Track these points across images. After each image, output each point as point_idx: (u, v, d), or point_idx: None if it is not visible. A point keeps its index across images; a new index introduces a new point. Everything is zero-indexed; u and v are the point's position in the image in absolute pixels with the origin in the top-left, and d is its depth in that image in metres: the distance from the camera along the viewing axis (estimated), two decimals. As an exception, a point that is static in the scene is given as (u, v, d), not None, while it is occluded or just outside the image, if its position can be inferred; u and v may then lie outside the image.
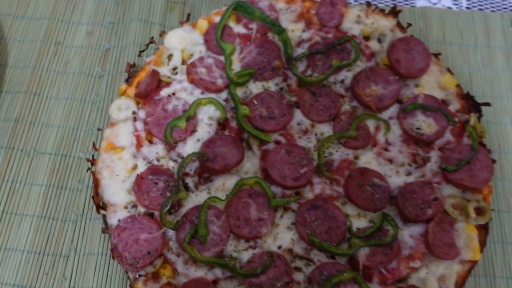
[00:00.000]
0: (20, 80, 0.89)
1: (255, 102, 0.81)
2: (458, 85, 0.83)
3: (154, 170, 0.76)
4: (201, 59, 0.83)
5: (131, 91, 0.81)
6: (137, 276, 0.70)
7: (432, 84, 0.83)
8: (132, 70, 0.84)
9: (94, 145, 0.77)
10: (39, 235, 0.78)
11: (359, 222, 0.74)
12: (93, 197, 0.75)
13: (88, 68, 0.90)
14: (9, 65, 0.90)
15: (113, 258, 0.71)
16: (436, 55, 0.85)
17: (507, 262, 0.78)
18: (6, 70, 0.89)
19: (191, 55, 0.84)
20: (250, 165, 0.78)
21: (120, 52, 0.90)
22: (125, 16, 0.93)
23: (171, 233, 0.73)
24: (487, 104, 0.81)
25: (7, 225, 0.79)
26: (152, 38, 0.86)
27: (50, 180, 0.82)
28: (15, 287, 0.75)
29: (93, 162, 0.77)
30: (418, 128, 0.78)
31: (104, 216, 0.75)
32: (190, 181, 0.76)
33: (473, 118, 0.78)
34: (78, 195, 0.81)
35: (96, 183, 0.75)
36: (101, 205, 0.75)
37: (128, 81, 0.83)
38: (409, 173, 0.78)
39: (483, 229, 0.73)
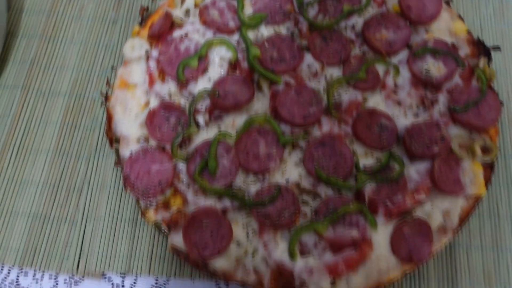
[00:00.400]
0: (35, 24, 0.91)
1: (266, 45, 0.82)
2: (468, 32, 0.83)
3: (166, 106, 0.77)
4: (214, 2, 0.84)
5: (145, 32, 0.83)
6: (148, 204, 0.73)
7: (442, 30, 0.83)
8: (145, 14, 0.85)
9: (108, 81, 0.79)
10: (53, 169, 0.81)
11: (366, 161, 0.75)
12: (106, 131, 0.77)
13: (102, 13, 0.91)
14: (25, 10, 0.92)
15: (125, 188, 0.73)
16: (448, 2, 0.86)
17: (511, 204, 0.80)
18: (22, 15, 0.92)
19: (204, -1, 0.86)
20: (260, 105, 0.79)
21: (134, -2, 0.93)
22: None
23: (181, 166, 0.75)
24: (497, 48, 0.82)
25: (23, 159, 0.82)
26: (166, -18, 0.88)
27: (65, 119, 0.84)
28: (31, 216, 0.78)
29: (107, 98, 0.79)
30: (427, 71, 0.80)
31: (117, 151, 0.77)
32: (201, 118, 0.78)
33: (482, 61, 0.79)
34: (91, 133, 0.83)
35: (110, 118, 0.77)
36: (114, 140, 0.77)
37: (142, 23, 0.84)
38: (417, 115, 0.78)
39: (489, 167, 0.74)
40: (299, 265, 0.68)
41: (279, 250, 0.69)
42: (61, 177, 0.80)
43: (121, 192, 0.78)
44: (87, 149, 0.82)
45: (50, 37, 0.89)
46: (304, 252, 0.70)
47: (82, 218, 0.78)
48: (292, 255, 0.69)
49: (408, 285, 0.75)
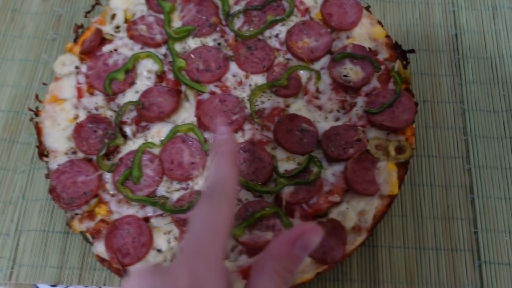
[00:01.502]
0: (-23, 44, 0.95)
1: (193, 56, 0.85)
2: (387, 36, 0.86)
3: (93, 119, 0.80)
4: (142, 17, 0.88)
5: (77, 49, 0.86)
6: (74, 214, 0.75)
7: (363, 35, 0.86)
8: (79, 31, 0.89)
9: (37, 96, 0.82)
10: (-8, 184, 0.84)
11: (287, 165, 0.77)
12: (37, 145, 0.80)
13: (42, 32, 0.95)
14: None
15: (53, 199, 0.76)
16: (367, 8, 0.88)
17: (434, 204, 0.81)
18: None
19: (134, 14, 0.88)
20: (187, 115, 0.82)
21: (72, 16, 0.96)
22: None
23: (107, 176, 0.77)
24: (412, 51, 0.84)
25: (-38, 176, 0.85)
26: (98, 0, 0.91)
27: (3, 135, 0.87)
28: (-34, 230, 0.81)
29: (37, 113, 0.82)
30: (345, 76, 0.82)
31: (47, 163, 0.80)
32: (128, 129, 0.81)
33: (397, 64, 0.81)
34: (28, 147, 0.86)
35: (39, 132, 0.80)
36: (44, 153, 0.80)
37: (76, 40, 0.88)
38: (337, 119, 0.81)
39: (403, 167, 0.76)
40: (214, 268, 0.70)
41: (197, 255, 0.72)
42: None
43: (53, 204, 0.81)
44: (24, 163, 0.85)
45: (-10, 56, 0.94)
46: (220, 256, 0.72)
47: (16, 230, 0.80)
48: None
49: (331, 285, 0.76)
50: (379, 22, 0.87)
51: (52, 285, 0.78)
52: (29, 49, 0.94)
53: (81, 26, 0.89)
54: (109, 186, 0.77)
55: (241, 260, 0.70)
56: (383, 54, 0.84)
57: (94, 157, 0.78)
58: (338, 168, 0.76)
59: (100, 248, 0.73)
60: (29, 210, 0.81)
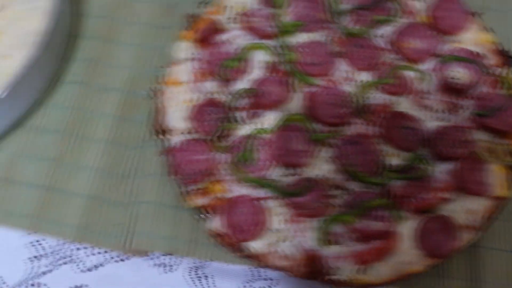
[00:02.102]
0: (94, 27, 1.00)
1: (301, 50, 0.90)
2: (494, 43, 0.87)
3: (210, 102, 0.85)
4: (253, 10, 0.92)
5: (191, 36, 0.92)
6: (190, 190, 0.80)
7: (470, 40, 0.88)
8: (191, 20, 0.94)
9: (157, 79, 0.88)
10: (106, 157, 0.89)
11: (393, 160, 0.80)
12: (154, 124, 0.86)
13: (155, 19, 1.00)
14: (85, 14, 1.02)
15: (169, 175, 0.81)
16: (476, 14, 0.90)
17: (540, 211, 0.82)
18: (82, 19, 1.02)
19: (245, 7, 0.93)
20: (295, 105, 0.86)
21: (182, 6, 0.99)
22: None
23: (221, 157, 0.82)
24: (522, 57, 0.86)
25: (78, 147, 0.91)
26: (212, -9, 0.96)
27: (117, 112, 0.93)
28: (85, 197, 0.86)
29: (156, 94, 0.87)
30: (452, 78, 0.84)
31: (163, 141, 0.85)
32: (240, 115, 0.85)
33: (506, 70, 0.83)
34: (140, 125, 0.91)
35: (158, 112, 0.86)
36: (161, 131, 0.86)
37: (188, 28, 0.93)
38: (443, 119, 0.83)
39: (512, 170, 0.78)
40: (328, 252, 0.74)
41: (310, 238, 0.75)
42: (112, 164, 0.88)
43: (165, 179, 0.86)
44: (136, 139, 0.91)
45: (107, 39, 0.99)
46: (333, 241, 0.75)
47: (130, 201, 0.85)
48: (322, 243, 0.74)
49: (432, 281, 0.78)
50: (486, 29, 0.89)
51: (165, 255, 0.83)
52: (143, 35, 1.00)
53: (194, 16, 0.95)
54: (221, 166, 0.82)
55: (353, 245, 0.74)
56: (490, 60, 0.86)
57: (208, 138, 0.84)
58: (446, 167, 0.78)
59: (215, 223, 0.78)
60: (142, 183, 0.86)
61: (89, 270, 0.83)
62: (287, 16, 0.93)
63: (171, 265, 0.83)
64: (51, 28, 0.90)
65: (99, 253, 0.84)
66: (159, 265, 0.83)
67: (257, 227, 0.76)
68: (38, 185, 0.87)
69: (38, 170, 0.89)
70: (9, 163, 0.89)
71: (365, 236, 0.74)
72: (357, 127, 0.84)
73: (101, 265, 0.84)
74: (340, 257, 0.73)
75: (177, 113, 0.86)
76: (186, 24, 0.96)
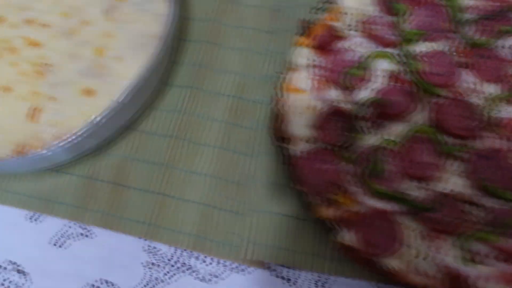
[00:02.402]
0: (201, 31, 1.00)
1: (425, 59, 0.87)
2: None
3: (334, 111, 0.83)
4: (374, 17, 0.90)
5: (308, 42, 0.90)
6: (318, 201, 0.78)
7: None
8: (306, 25, 0.92)
9: (276, 85, 0.86)
10: (219, 163, 0.88)
11: (530, 177, 0.77)
12: (275, 131, 0.84)
13: (261, 24, 0.99)
14: (192, 18, 1.02)
15: (295, 185, 0.79)
16: None
17: None
18: (190, 22, 1.02)
19: (364, 14, 0.91)
20: (420, 116, 0.83)
21: (290, 11, 0.99)
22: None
23: (347, 167, 0.79)
24: None
25: (189, 152, 0.89)
26: (328, -3, 0.95)
27: (228, 118, 0.92)
28: (200, 204, 0.85)
29: (277, 100, 0.85)
30: None
31: (283, 149, 0.83)
32: (364, 124, 0.83)
33: None
34: (252, 132, 0.90)
35: (279, 119, 0.84)
36: (281, 139, 0.83)
37: (303, 34, 0.91)
38: None
39: None
40: (475, 271, 0.70)
41: (451, 256, 0.72)
42: (225, 170, 0.87)
43: (285, 188, 0.83)
44: (248, 146, 0.89)
45: (214, 43, 0.98)
46: (476, 260, 0.72)
47: (246, 210, 0.84)
48: (466, 261, 0.71)
49: None
50: None
51: (285, 267, 0.80)
52: (249, 39, 0.99)
53: (309, 21, 0.93)
54: (349, 177, 0.79)
55: (501, 265, 0.71)
56: None
57: (333, 147, 0.81)
58: None
59: (347, 237, 0.75)
60: (259, 192, 0.84)
61: (209, 280, 0.81)
62: (408, 24, 0.91)
63: (289, 278, 0.81)
64: (167, 31, 0.90)
65: (217, 263, 0.82)
66: (282, 278, 0.81)
67: (395, 242, 0.73)
68: (149, 190, 0.86)
69: (150, 174, 0.88)
70: (121, 167, 0.88)
71: (510, 255, 0.71)
72: (489, 141, 0.81)
73: (218, 276, 0.82)
74: (489, 277, 0.70)
75: (300, 121, 0.84)
76: (299, 30, 0.94)
